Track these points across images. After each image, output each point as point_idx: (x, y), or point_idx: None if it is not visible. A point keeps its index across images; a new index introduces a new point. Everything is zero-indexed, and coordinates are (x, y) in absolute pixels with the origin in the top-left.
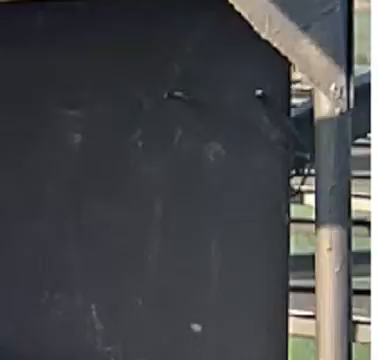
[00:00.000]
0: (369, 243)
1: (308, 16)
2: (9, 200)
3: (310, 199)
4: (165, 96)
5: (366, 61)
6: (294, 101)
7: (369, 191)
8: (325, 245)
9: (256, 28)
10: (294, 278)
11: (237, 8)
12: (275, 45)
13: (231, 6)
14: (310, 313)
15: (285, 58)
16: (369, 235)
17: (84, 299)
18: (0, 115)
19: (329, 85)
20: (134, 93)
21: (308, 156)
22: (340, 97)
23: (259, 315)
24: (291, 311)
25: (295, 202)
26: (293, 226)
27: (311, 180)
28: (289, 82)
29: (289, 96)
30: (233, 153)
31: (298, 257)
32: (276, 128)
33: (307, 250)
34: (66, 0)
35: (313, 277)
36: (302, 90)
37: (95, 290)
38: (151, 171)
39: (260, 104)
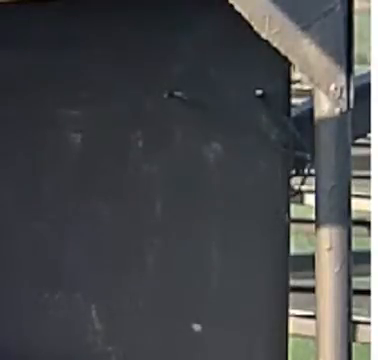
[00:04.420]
0: (369, 243)
1: (308, 16)
2: (9, 200)
3: (310, 199)
4: (165, 96)
5: (366, 61)
6: (294, 101)
7: (369, 191)
8: (325, 245)
9: (256, 28)
10: (294, 278)
11: (237, 8)
12: (275, 45)
13: (231, 6)
14: (310, 313)
15: (285, 58)
16: (369, 235)
17: (84, 299)
18: (0, 115)
19: (329, 85)
20: (134, 93)
21: (308, 156)
22: (340, 97)
23: (259, 315)
24: (291, 311)
25: (295, 202)
26: (293, 226)
27: (311, 180)
28: (289, 82)
29: (289, 96)
30: (233, 153)
31: (298, 257)
32: (276, 128)
33: (307, 250)
34: (66, 0)
35: (313, 277)
36: (302, 90)
37: (95, 290)
38: (151, 171)
39: (260, 104)
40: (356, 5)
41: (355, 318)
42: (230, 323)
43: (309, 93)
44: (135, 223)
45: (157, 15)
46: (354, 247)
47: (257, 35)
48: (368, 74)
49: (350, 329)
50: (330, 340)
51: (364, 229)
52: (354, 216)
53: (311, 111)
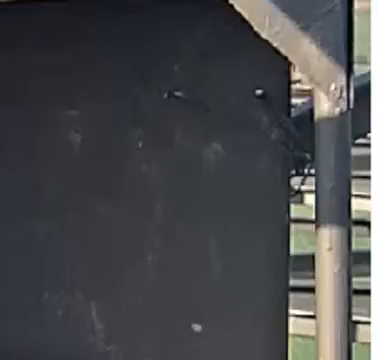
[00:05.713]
0: (369, 243)
1: (308, 16)
2: (9, 200)
3: (310, 199)
4: (165, 96)
5: (366, 61)
6: (294, 101)
7: (369, 191)
8: (325, 245)
9: (256, 28)
10: (294, 278)
11: (237, 8)
12: (275, 45)
13: (231, 6)
14: (310, 313)
15: (285, 58)
16: (369, 235)
17: (84, 299)
18: (0, 115)
19: (329, 85)
20: (134, 93)
21: (308, 156)
22: (340, 97)
23: (259, 315)
24: (291, 311)
25: (295, 202)
26: (293, 226)
27: (311, 180)
28: (289, 82)
29: (289, 96)
30: (233, 153)
31: (298, 257)
32: (276, 128)
33: (307, 250)
34: (66, 0)
35: (313, 277)
36: (302, 90)
37: (95, 290)
38: (151, 171)
39: (260, 104)
40: (356, 5)
41: (355, 318)
42: (230, 323)
43: (309, 93)
44: (135, 223)
45: (157, 15)
46: (354, 247)
47: (257, 35)
48: (368, 74)
49: (350, 329)
50: (330, 340)
51: (364, 229)
52: (354, 216)
53: (311, 111)
